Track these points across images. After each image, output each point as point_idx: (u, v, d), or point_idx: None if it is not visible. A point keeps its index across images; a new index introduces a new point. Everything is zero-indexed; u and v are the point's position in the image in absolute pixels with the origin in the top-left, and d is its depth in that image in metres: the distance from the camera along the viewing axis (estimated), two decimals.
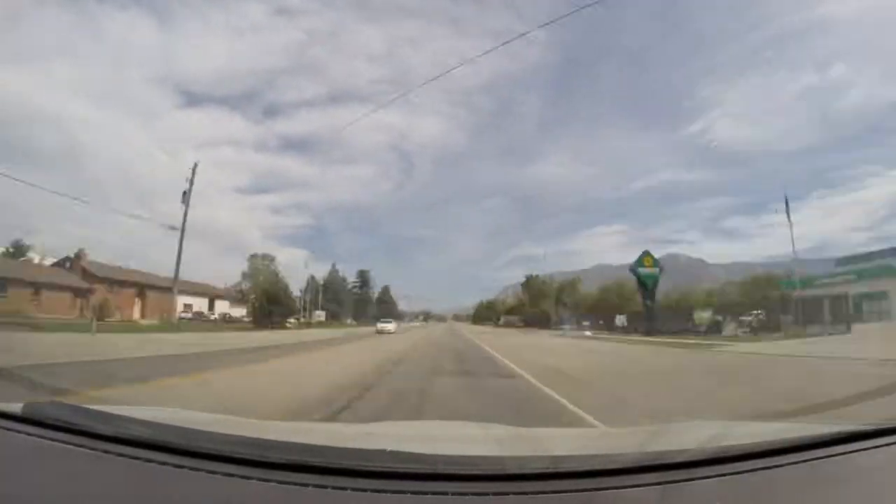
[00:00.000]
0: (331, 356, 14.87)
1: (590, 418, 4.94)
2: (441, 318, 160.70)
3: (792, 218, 30.72)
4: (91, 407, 1.38)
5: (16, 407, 1.26)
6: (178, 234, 29.85)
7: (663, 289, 40.21)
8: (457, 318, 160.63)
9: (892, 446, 1.19)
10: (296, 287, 50.23)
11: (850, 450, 1.16)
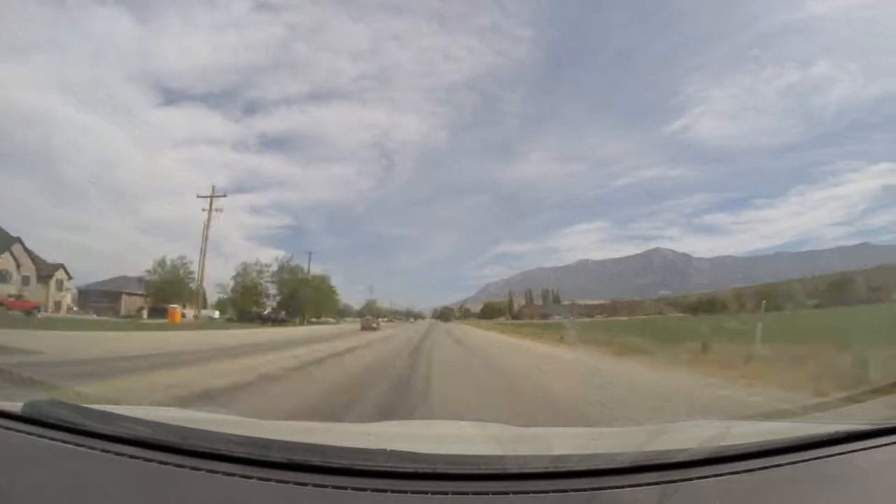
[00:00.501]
0: None
1: None
2: (419, 316, 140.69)
3: (771, 213, 28.06)
4: (91, 406, 1.38)
5: (16, 406, 1.26)
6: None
7: (650, 283, 35.11)
8: (443, 316, 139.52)
9: (892, 446, 1.19)
10: None
11: (850, 450, 1.16)
